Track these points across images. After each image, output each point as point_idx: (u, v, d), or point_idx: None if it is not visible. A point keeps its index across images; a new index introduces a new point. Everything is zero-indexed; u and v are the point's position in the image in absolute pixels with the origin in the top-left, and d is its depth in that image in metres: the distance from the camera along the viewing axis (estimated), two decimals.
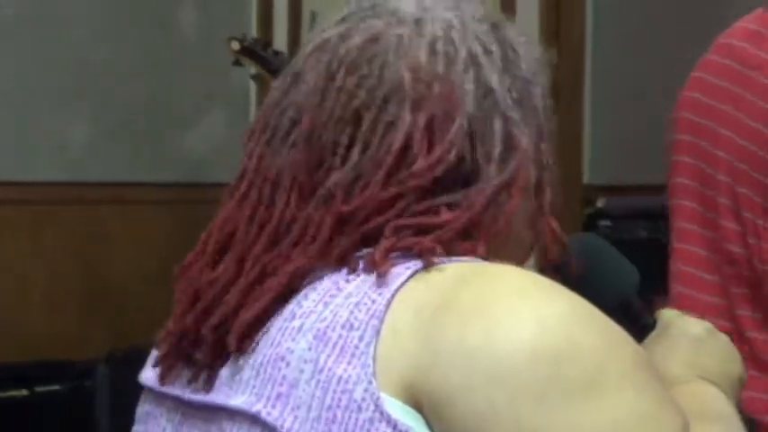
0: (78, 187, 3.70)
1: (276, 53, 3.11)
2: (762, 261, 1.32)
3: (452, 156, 0.86)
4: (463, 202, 0.85)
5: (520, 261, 0.88)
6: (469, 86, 0.88)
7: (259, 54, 3.18)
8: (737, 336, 1.32)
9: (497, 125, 0.88)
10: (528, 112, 0.91)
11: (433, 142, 0.85)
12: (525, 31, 1.03)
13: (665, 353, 0.98)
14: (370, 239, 0.85)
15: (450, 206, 0.85)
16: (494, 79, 0.89)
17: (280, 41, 3.67)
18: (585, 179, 3.80)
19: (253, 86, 3.49)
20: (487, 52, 0.90)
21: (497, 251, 0.86)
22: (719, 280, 1.40)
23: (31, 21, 3.64)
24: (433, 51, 0.89)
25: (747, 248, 1.35)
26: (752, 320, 1.38)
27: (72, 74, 3.72)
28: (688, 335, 1.01)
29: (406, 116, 0.86)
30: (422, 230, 0.84)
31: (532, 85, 0.92)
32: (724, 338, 1.04)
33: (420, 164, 0.85)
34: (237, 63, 3.23)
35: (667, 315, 1.03)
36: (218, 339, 0.87)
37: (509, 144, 0.87)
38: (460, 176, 0.86)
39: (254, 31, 3.84)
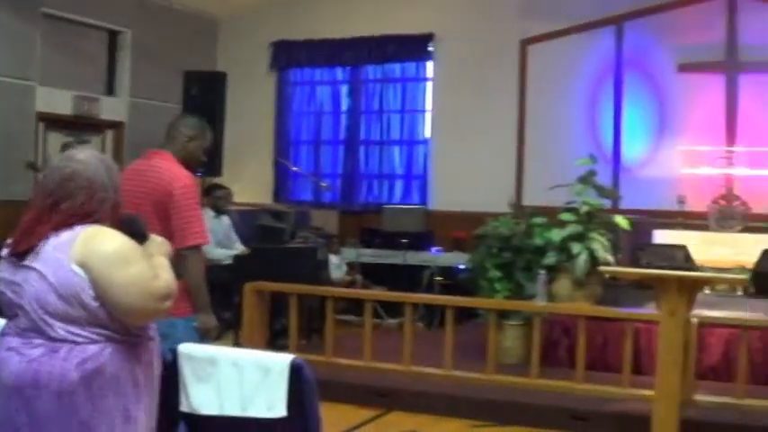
0: None
1: None
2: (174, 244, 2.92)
3: (88, 201, 2.46)
4: (94, 213, 2.45)
5: (108, 225, 2.48)
6: (100, 180, 2.48)
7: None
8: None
9: (103, 192, 2.50)
10: (114, 187, 2.54)
11: (87, 199, 2.46)
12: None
13: (153, 248, 2.63)
14: (67, 222, 2.40)
15: (88, 213, 2.46)
16: (105, 177, 2.50)
17: None
18: None
19: None
20: (108, 169, 2.54)
21: (102, 224, 2.45)
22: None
23: None
24: (90, 172, 2.46)
25: (165, 232, 3.20)
26: None
27: None
28: (157, 241, 2.70)
29: (80, 192, 2.46)
30: (81, 220, 2.43)
31: (112, 179, 2.53)
32: (166, 242, 2.74)
33: (84, 206, 2.43)
34: None
35: (152, 236, 2.68)
36: (26, 248, 2.43)
37: (104, 196, 2.51)
38: (92, 207, 2.46)
39: None
